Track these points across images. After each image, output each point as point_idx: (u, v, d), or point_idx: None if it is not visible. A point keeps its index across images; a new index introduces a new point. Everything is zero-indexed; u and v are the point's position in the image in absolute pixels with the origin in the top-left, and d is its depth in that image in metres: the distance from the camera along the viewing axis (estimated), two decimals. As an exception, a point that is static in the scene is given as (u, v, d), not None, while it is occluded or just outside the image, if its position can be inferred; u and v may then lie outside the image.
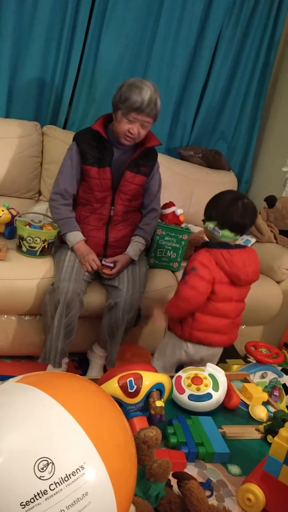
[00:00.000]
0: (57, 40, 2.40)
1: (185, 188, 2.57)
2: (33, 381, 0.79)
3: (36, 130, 2.37)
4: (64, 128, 2.55)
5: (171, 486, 0.97)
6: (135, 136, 1.77)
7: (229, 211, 1.53)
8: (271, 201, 2.47)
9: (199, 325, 1.59)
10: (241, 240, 2.48)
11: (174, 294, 1.66)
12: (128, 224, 1.91)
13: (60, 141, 2.36)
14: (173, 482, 0.97)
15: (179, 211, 2.22)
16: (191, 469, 1.07)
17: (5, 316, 1.88)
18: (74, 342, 1.82)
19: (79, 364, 2.04)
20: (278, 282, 2.28)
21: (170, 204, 2.24)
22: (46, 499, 0.65)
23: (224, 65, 2.72)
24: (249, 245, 2.44)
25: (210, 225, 1.58)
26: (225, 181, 2.73)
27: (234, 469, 1.09)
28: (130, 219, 1.91)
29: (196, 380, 1.29)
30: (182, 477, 0.94)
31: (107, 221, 1.88)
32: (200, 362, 1.61)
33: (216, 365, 1.41)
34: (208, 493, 1.01)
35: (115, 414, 0.83)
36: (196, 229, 2.39)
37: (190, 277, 1.55)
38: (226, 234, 1.55)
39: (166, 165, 2.43)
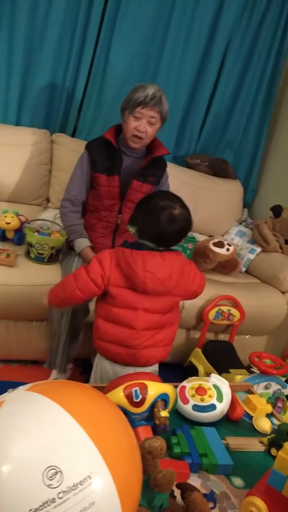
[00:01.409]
0: (68, 49, 2.43)
1: (191, 196, 2.58)
2: (42, 390, 0.81)
3: (45, 138, 2.41)
4: (73, 136, 2.58)
5: (175, 496, 0.98)
6: (143, 135, 1.79)
7: (151, 222, 1.34)
8: (277, 210, 2.48)
9: (100, 334, 1.43)
10: (246, 249, 2.49)
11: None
12: (135, 233, 1.93)
13: (69, 149, 2.40)
14: (177, 492, 0.98)
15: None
16: (194, 480, 1.08)
17: (12, 321, 1.90)
18: (78, 348, 1.84)
19: (83, 369, 2.06)
20: (283, 292, 2.28)
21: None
22: (54, 507, 0.66)
23: (232, 74, 2.74)
24: (255, 254, 2.46)
25: (131, 229, 1.42)
26: (231, 189, 2.75)
27: (237, 481, 1.10)
28: (137, 228, 1.93)
29: (200, 390, 1.30)
30: (186, 488, 0.96)
31: (114, 229, 1.91)
32: None
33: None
34: (211, 505, 1.02)
35: (121, 424, 0.84)
36: (201, 237, 2.41)
37: (80, 268, 1.42)
38: (146, 243, 1.38)
39: (172, 173, 2.44)
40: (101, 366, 1.49)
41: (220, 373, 1.91)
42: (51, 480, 0.67)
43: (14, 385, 1.08)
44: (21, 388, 0.82)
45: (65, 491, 0.67)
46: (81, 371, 2.05)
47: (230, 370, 1.91)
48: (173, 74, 2.62)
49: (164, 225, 1.32)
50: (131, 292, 1.38)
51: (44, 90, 2.47)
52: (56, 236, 1.94)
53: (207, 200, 2.59)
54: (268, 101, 2.85)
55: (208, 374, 1.97)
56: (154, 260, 1.35)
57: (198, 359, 2.04)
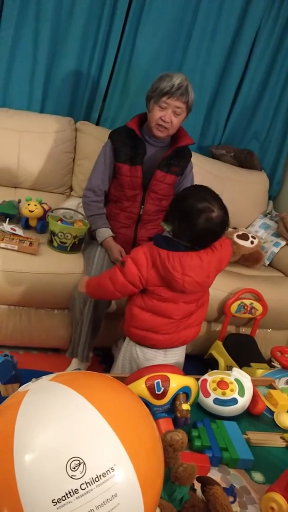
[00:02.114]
0: (94, 36, 2.41)
1: (216, 187, 2.46)
2: (66, 381, 0.81)
3: (69, 126, 2.40)
4: (97, 124, 2.56)
5: (195, 490, 0.98)
6: (168, 125, 1.76)
7: (189, 225, 1.32)
8: (303, 203, 2.43)
9: (137, 322, 1.46)
10: (270, 242, 2.45)
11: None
12: (158, 224, 1.91)
13: (93, 137, 2.39)
14: (197, 486, 0.98)
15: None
16: (214, 474, 1.08)
17: (34, 309, 1.92)
18: (100, 337, 1.84)
19: (103, 359, 2.07)
20: (307, 286, 2.24)
21: (200, 204, 2.22)
22: (77, 498, 0.66)
23: (261, 64, 2.67)
24: (279, 247, 2.42)
25: (166, 227, 1.40)
26: (256, 181, 2.69)
27: (258, 476, 1.09)
28: (160, 219, 1.91)
29: (222, 384, 1.29)
30: (206, 482, 0.95)
31: (137, 219, 1.89)
32: None
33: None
34: (231, 499, 1.01)
35: (144, 417, 0.84)
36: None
37: (115, 269, 1.42)
38: (183, 243, 1.36)
39: (197, 163, 2.40)
40: (131, 352, 1.54)
41: (240, 367, 1.90)
42: (74, 471, 0.67)
43: (36, 373, 1.09)
44: (45, 378, 0.83)
45: (88, 482, 0.67)
46: (100, 360, 2.06)
47: (251, 364, 1.89)
48: (200, 63, 2.57)
49: (201, 229, 1.31)
50: (170, 291, 1.39)
51: (69, 77, 2.45)
52: (79, 225, 1.94)
53: (232, 191, 2.55)
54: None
55: (228, 367, 1.96)
56: (192, 263, 1.35)
57: (218, 351, 2.02)
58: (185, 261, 1.34)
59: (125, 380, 1.16)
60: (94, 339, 1.80)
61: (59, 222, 1.91)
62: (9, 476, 0.69)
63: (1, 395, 1.01)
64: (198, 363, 2.10)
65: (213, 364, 2.02)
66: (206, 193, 1.37)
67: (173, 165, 1.84)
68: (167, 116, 1.73)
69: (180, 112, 1.74)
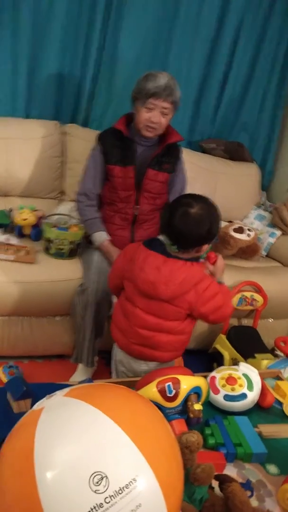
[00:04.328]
0: (74, 37, 2.38)
1: (208, 182, 2.55)
2: (80, 395, 0.81)
3: (56, 129, 2.38)
4: (84, 126, 2.55)
5: (213, 488, 0.99)
6: (156, 126, 1.76)
7: (167, 216, 1.36)
8: (295, 192, 2.44)
9: (114, 315, 1.53)
10: (266, 233, 2.46)
11: None
12: (153, 223, 1.92)
13: (81, 140, 2.37)
14: (214, 483, 0.99)
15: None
16: (230, 470, 1.09)
17: (35, 318, 1.92)
18: (103, 340, 1.85)
19: (107, 361, 2.07)
20: (305, 275, 2.26)
21: (194, 200, 2.23)
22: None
23: (245, 55, 2.67)
24: (275, 238, 2.43)
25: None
26: (248, 173, 2.70)
27: (272, 468, 1.11)
28: (156, 218, 1.92)
29: (231, 380, 1.30)
30: (224, 480, 0.97)
31: (132, 220, 1.89)
32: None
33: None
34: (248, 493, 1.02)
35: (159, 422, 0.85)
36: (222, 224, 2.38)
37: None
38: (164, 239, 1.40)
39: (188, 159, 2.39)
40: (115, 353, 1.57)
41: (245, 359, 1.92)
42: (97, 485, 0.68)
43: (45, 387, 1.10)
44: (58, 393, 0.83)
45: (112, 496, 0.68)
46: (106, 362, 2.06)
47: (256, 355, 1.91)
48: (184, 58, 2.56)
49: (177, 221, 1.33)
50: (133, 289, 1.41)
51: (52, 80, 2.43)
52: (74, 230, 1.94)
53: (225, 185, 2.55)
54: (282, 81, 2.78)
55: (233, 360, 1.98)
56: (153, 262, 1.36)
57: (223, 345, 2.04)
58: (148, 259, 1.37)
59: (136, 385, 1.17)
60: (98, 343, 1.81)
61: (54, 228, 1.91)
62: (33, 495, 0.69)
63: (14, 412, 1.01)
64: (203, 357, 2.12)
65: (218, 358, 2.04)
66: (196, 195, 1.40)
67: (164, 163, 1.84)
68: (155, 117, 1.73)
69: (168, 112, 1.74)
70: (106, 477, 0.69)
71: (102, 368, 2.01)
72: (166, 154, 1.84)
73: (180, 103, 1.79)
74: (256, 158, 2.86)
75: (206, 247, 1.40)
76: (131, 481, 0.70)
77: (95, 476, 0.68)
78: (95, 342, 1.79)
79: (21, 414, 0.99)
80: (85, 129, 2.46)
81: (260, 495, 1.03)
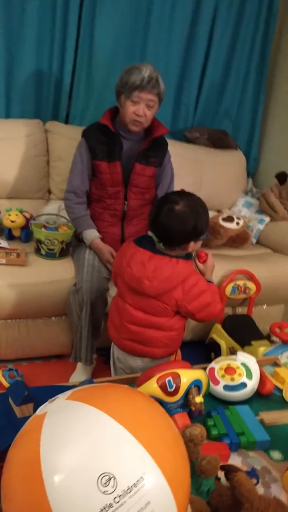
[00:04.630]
0: (49, 33, 2.36)
1: (194, 172, 2.55)
2: (82, 397, 0.81)
3: (39, 128, 2.36)
4: (66, 122, 2.53)
5: (219, 478, 1.01)
6: (142, 119, 1.75)
7: (154, 212, 1.38)
8: (282, 177, 2.46)
9: (109, 312, 1.55)
10: (255, 220, 2.48)
11: None
12: (143, 219, 1.92)
13: (64, 137, 2.36)
14: (220, 474, 1.01)
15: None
16: (234, 459, 1.10)
17: (31, 320, 1.91)
18: (101, 337, 1.85)
19: (107, 358, 2.07)
20: (296, 259, 2.28)
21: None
22: (112, 512, 0.68)
23: (223, 41, 2.67)
24: (264, 224, 2.44)
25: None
26: (233, 160, 2.71)
27: (276, 454, 1.12)
28: (145, 213, 1.92)
29: (229, 370, 1.31)
30: (229, 470, 0.98)
31: (122, 216, 1.89)
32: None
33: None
34: (254, 481, 1.04)
35: (162, 418, 0.85)
36: (211, 214, 2.39)
37: None
38: (153, 236, 1.41)
39: (173, 150, 2.38)
40: (112, 350, 1.59)
41: (242, 347, 1.94)
42: (105, 486, 0.68)
43: (46, 389, 1.10)
44: (60, 397, 0.83)
45: (121, 495, 0.68)
46: (104, 360, 2.07)
47: (252, 342, 1.93)
48: (162, 48, 2.55)
49: (162, 218, 1.33)
50: (123, 284, 1.43)
51: (31, 78, 2.40)
52: (64, 230, 1.93)
53: (211, 174, 2.56)
54: (262, 65, 2.78)
55: (231, 349, 2.00)
56: (139, 258, 1.37)
57: (219, 334, 2.05)
58: (135, 255, 1.38)
59: (136, 382, 1.17)
60: (96, 341, 1.81)
61: (43, 229, 1.90)
62: (42, 500, 0.69)
63: (17, 416, 1.01)
64: (200, 348, 2.13)
65: (215, 348, 2.06)
66: (184, 193, 1.41)
67: (151, 157, 1.84)
68: (141, 110, 1.71)
69: (153, 105, 1.73)
70: (114, 477, 0.69)
71: (101, 365, 2.02)
72: (153, 148, 1.84)
73: (164, 96, 1.78)
74: (241, 145, 2.87)
75: (193, 244, 1.40)
76: (138, 480, 0.70)
77: (103, 477, 0.69)
78: (93, 340, 1.79)
79: (25, 418, 1.00)
80: (67, 126, 2.45)
81: (265, 482, 1.04)
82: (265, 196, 2.44)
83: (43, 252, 1.89)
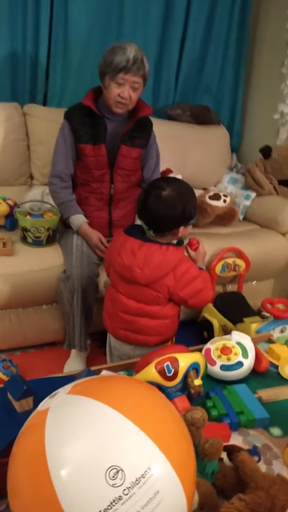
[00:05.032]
0: (22, 13, 2.27)
1: (178, 149, 2.52)
2: (83, 391, 0.80)
3: (17, 112, 2.29)
4: (44, 104, 2.45)
5: (222, 458, 1.02)
6: (127, 101, 1.70)
7: (141, 199, 1.36)
8: (266, 151, 2.44)
9: (104, 302, 1.54)
10: (241, 196, 2.47)
11: None
12: (130, 201, 1.89)
13: (44, 120, 2.29)
14: (223, 454, 1.02)
15: (178, 177, 2.18)
16: (235, 438, 1.12)
17: (21, 309, 1.89)
18: (93, 323, 1.84)
19: (101, 343, 2.07)
20: (283, 234, 2.29)
21: (167, 171, 2.20)
22: (122, 504, 0.67)
23: (201, 14, 2.61)
24: (250, 200, 2.43)
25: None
26: (217, 136, 2.68)
27: (276, 431, 1.14)
28: (132, 195, 1.89)
29: (225, 350, 1.32)
30: (232, 450, 0.99)
31: (108, 200, 1.86)
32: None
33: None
34: (256, 458, 1.05)
35: (163, 404, 0.85)
36: (197, 192, 2.37)
37: None
38: (142, 224, 1.40)
39: (156, 129, 2.32)
40: (108, 338, 1.58)
41: (234, 324, 1.96)
42: (114, 479, 0.68)
43: (44, 381, 1.10)
44: (61, 392, 0.82)
45: (129, 487, 0.68)
46: (98, 345, 2.06)
47: (244, 319, 1.94)
48: (139, 24, 2.48)
49: (150, 204, 1.32)
50: (115, 274, 1.42)
51: (5, 61, 2.32)
52: (49, 216, 1.89)
53: (195, 151, 2.53)
54: (241, 38, 2.73)
55: (223, 327, 2.01)
56: (129, 246, 1.36)
57: (211, 313, 2.06)
58: (125, 244, 1.37)
59: (134, 368, 1.17)
60: (89, 327, 1.81)
61: (28, 216, 1.86)
62: (51, 496, 0.69)
63: (17, 411, 1.00)
64: (192, 327, 2.14)
65: (207, 326, 2.07)
66: (171, 178, 1.40)
67: (136, 138, 1.80)
68: (126, 92, 1.67)
69: (138, 87, 1.68)
70: (122, 470, 0.69)
71: (95, 350, 2.02)
72: (138, 128, 1.80)
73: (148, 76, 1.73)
74: (223, 120, 2.84)
75: (183, 229, 1.39)
76: (146, 470, 0.70)
77: (110, 470, 0.68)
78: (86, 326, 1.78)
79: (25, 412, 0.99)
80: (45, 108, 2.38)
81: (267, 458, 1.06)
82: (250, 171, 2.43)
83: (29, 240, 1.85)
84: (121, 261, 1.36)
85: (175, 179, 1.40)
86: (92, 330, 1.90)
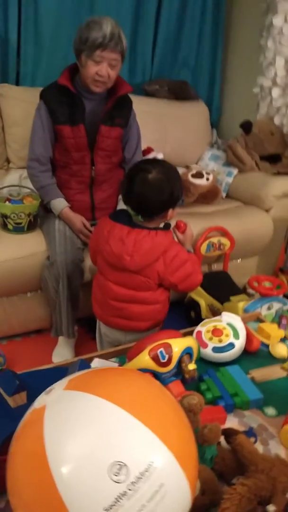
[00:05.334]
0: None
1: (157, 127, 2.46)
2: (79, 386, 0.78)
3: (-11, 93, 2.19)
4: (17, 84, 2.35)
5: (219, 442, 1.02)
6: (106, 79, 1.64)
7: (127, 184, 1.32)
8: (247, 126, 2.40)
9: (92, 291, 1.52)
10: (223, 173, 2.44)
11: None
12: (112, 183, 1.84)
13: (18, 100, 2.20)
14: (220, 437, 1.02)
15: (160, 156, 2.14)
16: (231, 420, 1.12)
17: (5, 298, 1.84)
18: (80, 308, 1.82)
19: (88, 328, 2.05)
20: (267, 211, 2.28)
21: (148, 150, 2.16)
22: (127, 499, 0.66)
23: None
24: (232, 177, 2.41)
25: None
26: (196, 112, 2.64)
27: (270, 411, 1.15)
28: (114, 177, 1.84)
29: (216, 332, 1.31)
30: (229, 433, 0.99)
31: (90, 182, 1.81)
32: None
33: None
34: (252, 439, 1.06)
35: (160, 393, 0.84)
36: (179, 171, 2.33)
37: None
38: (129, 210, 1.36)
39: (134, 106, 2.30)
40: (99, 325, 1.56)
41: (221, 303, 1.96)
42: (117, 475, 0.67)
43: (35, 374, 1.07)
44: (57, 388, 0.79)
45: (134, 482, 0.67)
46: (86, 329, 2.04)
47: (231, 297, 1.94)
48: (112, -1, 2.37)
49: (136, 189, 1.29)
50: (103, 262, 1.39)
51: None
52: (29, 201, 1.83)
53: (175, 127, 2.48)
54: (218, 9, 2.65)
55: (210, 306, 2.01)
56: (117, 234, 1.32)
57: (197, 293, 2.06)
58: (113, 231, 1.34)
59: (127, 355, 1.15)
60: (76, 313, 1.78)
61: (7, 202, 1.79)
62: (53, 494, 0.67)
63: (11, 406, 0.98)
64: (178, 308, 2.13)
65: (194, 306, 2.07)
66: (154, 160, 1.38)
67: (116, 117, 1.74)
68: (103, 70, 1.60)
69: (116, 64, 1.61)
70: (125, 465, 0.67)
71: (83, 335, 2.00)
72: (117, 107, 1.74)
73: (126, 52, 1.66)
74: (202, 95, 2.78)
75: (171, 212, 1.36)
76: (149, 464, 0.69)
77: (113, 466, 0.67)
78: (73, 313, 1.76)
79: (19, 408, 0.97)
80: (19, 88, 2.28)
81: (263, 439, 1.07)
82: (232, 147, 2.40)
83: (10, 227, 1.79)
84: (110, 249, 1.33)
85: (158, 160, 1.37)
86: (79, 315, 1.87)
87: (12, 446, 0.76)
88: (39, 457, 0.70)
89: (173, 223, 1.47)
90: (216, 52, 2.74)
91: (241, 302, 1.88)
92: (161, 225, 1.41)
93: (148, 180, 1.27)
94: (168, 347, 1.10)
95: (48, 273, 1.70)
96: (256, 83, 2.50)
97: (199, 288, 2.05)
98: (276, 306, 1.89)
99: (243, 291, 2.13)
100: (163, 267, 1.34)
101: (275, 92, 2.40)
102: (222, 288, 2.03)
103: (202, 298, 2.04)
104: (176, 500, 0.72)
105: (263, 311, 1.86)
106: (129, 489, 0.67)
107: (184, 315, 2.13)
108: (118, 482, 0.67)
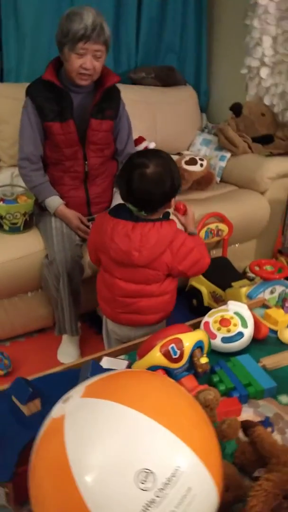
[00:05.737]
0: None
1: (146, 115, 2.42)
2: (97, 393, 0.76)
3: (-27, 90, 2.12)
4: (1, 81, 2.29)
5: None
6: (91, 72, 1.59)
7: (125, 181, 1.28)
8: (237, 108, 2.37)
9: (97, 289, 1.49)
10: (216, 158, 2.41)
11: None
12: (106, 176, 1.81)
13: (3, 97, 2.14)
14: (238, 430, 1.01)
15: (152, 145, 2.11)
16: (246, 410, 1.11)
17: (7, 299, 1.82)
18: (82, 304, 1.80)
19: (91, 322, 2.04)
20: (262, 193, 2.26)
21: (140, 140, 2.12)
22: (156, 507, 0.65)
23: None
24: (225, 161, 2.39)
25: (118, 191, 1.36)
26: (185, 97, 2.61)
27: (285, 398, 1.14)
28: (107, 170, 1.81)
29: (224, 322, 1.30)
30: (247, 426, 0.98)
31: (84, 178, 1.77)
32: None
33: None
34: (269, 429, 1.06)
35: (176, 393, 0.83)
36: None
37: None
38: (130, 207, 1.33)
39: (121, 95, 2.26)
40: (105, 322, 1.53)
41: (223, 290, 1.95)
42: (144, 483, 0.66)
43: (46, 379, 1.06)
44: (74, 396, 0.78)
45: (161, 489, 0.66)
46: (89, 325, 2.03)
47: (232, 283, 1.93)
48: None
49: (136, 186, 1.24)
50: (108, 259, 1.36)
51: None
52: (24, 200, 1.80)
53: (164, 114, 2.44)
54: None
55: (212, 293, 2.00)
56: (122, 230, 1.29)
57: (198, 281, 2.05)
58: (116, 228, 1.30)
59: (137, 352, 1.14)
60: (78, 310, 1.77)
61: (2, 203, 1.76)
62: (80, 505, 0.67)
63: (25, 414, 0.96)
64: (180, 297, 2.11)
65: (196, 294, 2.06)
66: (148, 152, 1.33)
67: (106, 109, 1.70)
68: (88, 63, 1.55)
69: (101, 55, 1.57)
70: (151, 472, 0.66)
71: (86, 330, 1.98)
72: (106, 99, 1.69)
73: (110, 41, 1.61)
74: (189, 79, 2.74)
75: (173, 201, 1.34)
76: (176, 468, 0.68)
77: (139, 474, 0.66)
78: (75, 310, 1.74)
79: (34, 415, 0.95)
80: (4, 84, 2.23)
81: (280, 428, 1.06)
82: (223, 131, 2.36)
83: (6, 227, 1.76)
84: (116, 247, 1.30)
85: (152, 151, 1.34)
86: (81, 312, 1.86)
87: (33, 458, 0.75)
88: (62, 467, 0.69)
89: (171, 210, 1.44)
90: (201, 35, 2.69)
91: (244, 288, 1.87)
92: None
93: (147, 176, 1.24)
94: (179, 342, 1.09)
95: (47, 271, 1.68)
96: (244, 64, 2.46)
97: (200, 276, 2.04)
98: (279, 289, 1.88)
99: (243, 275, 2.12)
100: (171, 257, 1.32)
101: (264, 72, 2.36)
102: (223, 274, 2.02)
103: (204, 286, 2.03)
104: (204, 502, 0.71)
105: (266, 295, 1.85)
106: (157, 496, 0.66)
107: (185, 304, 2.12)
108: (145, 490, 0.66)
